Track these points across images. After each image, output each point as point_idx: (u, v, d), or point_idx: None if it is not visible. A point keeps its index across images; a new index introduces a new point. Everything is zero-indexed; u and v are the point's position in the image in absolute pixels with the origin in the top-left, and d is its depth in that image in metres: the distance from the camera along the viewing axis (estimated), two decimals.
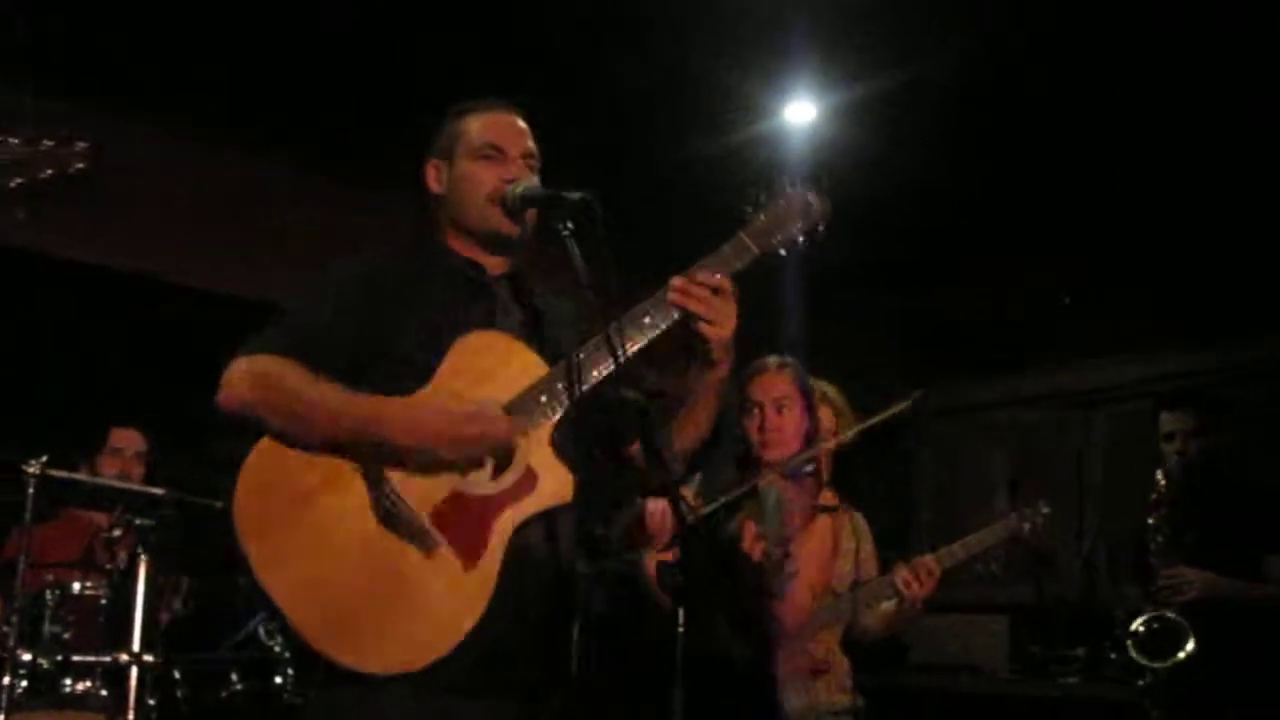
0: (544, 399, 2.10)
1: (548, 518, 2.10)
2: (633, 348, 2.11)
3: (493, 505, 2.05)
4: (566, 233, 2.08)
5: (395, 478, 2.00)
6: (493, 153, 2.25)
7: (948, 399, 8.26)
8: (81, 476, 3.91)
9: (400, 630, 1.96)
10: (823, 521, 3.11)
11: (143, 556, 3.52)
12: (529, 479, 2.07)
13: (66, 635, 3.67)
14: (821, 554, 3.09)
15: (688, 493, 3.15)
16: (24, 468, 3.52)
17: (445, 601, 1.98)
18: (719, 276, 2.13)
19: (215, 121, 5.49)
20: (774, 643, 3.10)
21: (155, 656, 3.51)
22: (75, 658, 3.56)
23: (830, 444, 3.53)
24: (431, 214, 2.34)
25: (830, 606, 3.49)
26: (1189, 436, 4.20)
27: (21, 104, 4.76)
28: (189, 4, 4.60)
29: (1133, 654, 3.97)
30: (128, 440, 4.58)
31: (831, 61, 4.89)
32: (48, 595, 3.68)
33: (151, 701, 3.62)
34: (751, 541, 2.81)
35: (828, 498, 3.13)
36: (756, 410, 3.12)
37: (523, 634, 2.05)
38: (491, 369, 2.11)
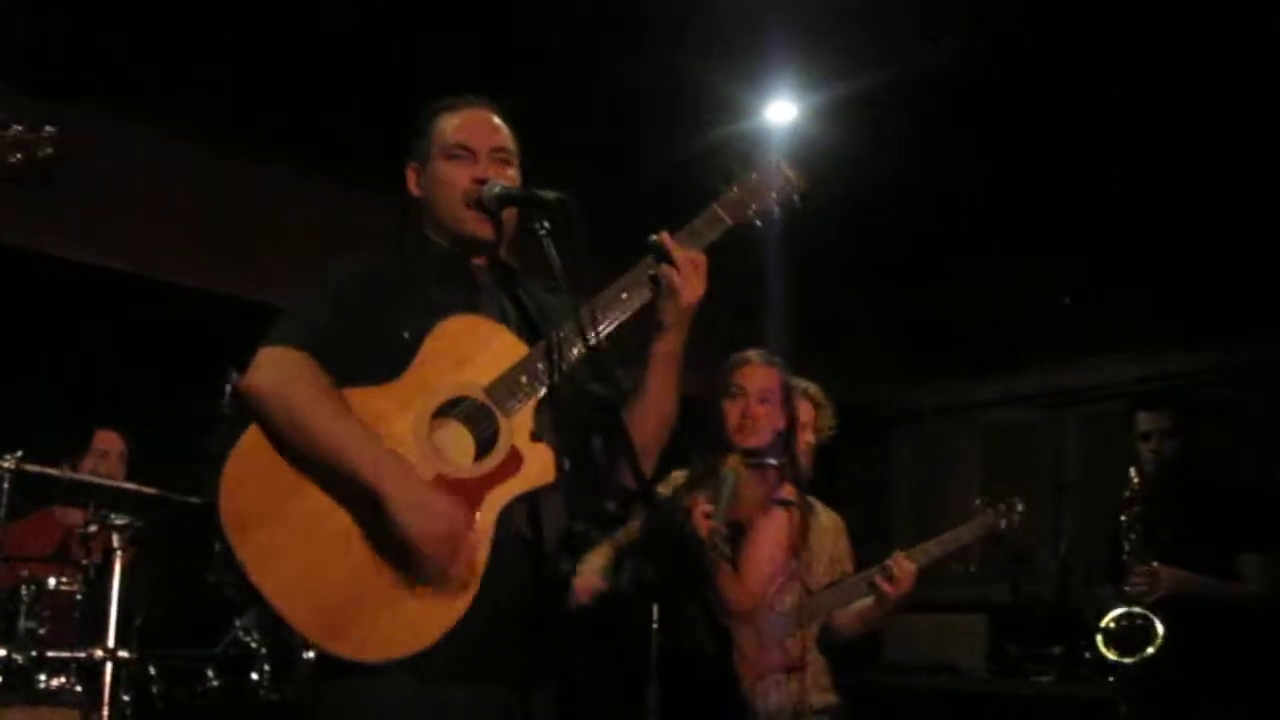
0: (524, 379, 2.10)
1: (532, 499, 2.10)
2: (610, 324, 2.14)
3: (478, 488, 2.05)
4: (543, 232, 2.09)
5: None
6: (462, 153, 2.24)
7: (926, 399, 8.30)
8: (56, 472, 3.89)
9: (392, 617, 1.95)
10: (779, 515, 3.13)
11: (118, 553, 3.50)
12: (513, 459, 2.07)
13: (41, 631, 3.65)
14: (776, 545, 3.10)
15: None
16: None
17: (436, 586, 1.98)
18: (695, 252, 2.16)
19: (214, 121, 5.48)
20: (727, 627, 3.11)
21: (130, 652, 3.51)
22: (50, 653, 3.55)
23: (808, 437, 3.56)
24: (414, 216, 2.35)
25: (806, 605, 3.50)
26: (1164, 436, 4.23)
27: (20, 104, 4.76)
28: (189, 4, 4.59)
29: (1102, 649, 4.00)
30: (111, 442, 4.59)
31: (812, 61, 4.90)
32: (23, 591, 3.67)
33: (126, 698, 3.62)
34: (700, 517, 2.83)
35: (788, 491, 3.15)
36: (742, 397, 3.16)
37: (513, 617, 2.05)
38: (471, 352, 2.12)
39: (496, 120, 2.31)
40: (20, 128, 1.91)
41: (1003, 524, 3.60)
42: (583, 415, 2.20)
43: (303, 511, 1.98)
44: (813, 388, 3.66)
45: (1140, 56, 4.73)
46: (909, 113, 5.22)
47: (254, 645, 4.01)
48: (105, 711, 3.41)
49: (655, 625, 2.81)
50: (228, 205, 5.73)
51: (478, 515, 2.03)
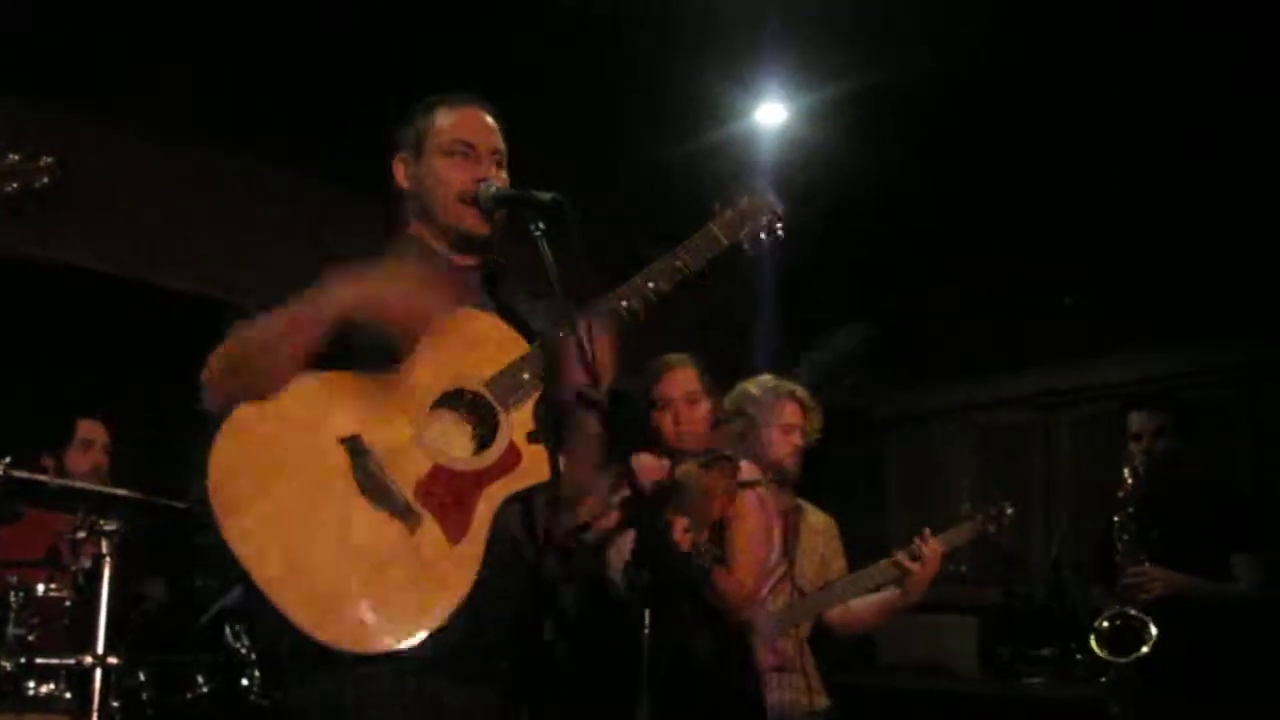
0: (527, 376, 2.11)
1: (525, 497, 2.09)
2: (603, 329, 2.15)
3: (476, 481, 2.04)
4: (538, 233, 2.09)
5: (378, 451, 1.98)
6: (465, 150, 2.25)
7: (917, 400, 8.31)
8: (45, 478, 3.87)
9: (385, 608, 1.92)
10: (747, 496, 3.13)
11: (107, 558, 3.48)
12: (512, 455, 2.07)
13: (30, 637, 3.62)
14: (755, 526, 3.11)
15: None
16: None
17: (431, 578, 1.96)
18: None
19: (212, 122, 5.46)
20: (738, 626, 3.14)
21: (120, 659, 3.48)
22: (39, 660, 3.52)
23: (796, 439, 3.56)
24: (398, 208, 2.33)
25: (798, 605, 3.51)
26: (1155, 437, 4.25)
27: (14, 105, 4.74)
28: (189, 5, 4.57)
29: (1096, 650, 4.01)
30: (95, 432, 4.56)
31: (803, 63, 4.90)
32: (11, 597, 3.64)
33: (116, 704, 3.59)
34: (681, 535, 2.84)
35: (748, 470, 3.16)
36: (670, 405, 3.16)
37: (503, 615, 2.04)
38: (474, 344, 2.12)
39: (491, 121, 2.31)
40: (17, 157, 1.89)
41: (992, 528, 3.61)
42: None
43: (297, 497, 1.95)
44: (800, 390, 3.66)
45: (1139, 56, 4.73)
46: (900, 114, 5.22)
47: (244, 651, 3.99)
48: (95, 718, 3.38)
49: (648, 629, 2.81)
50: (225, 208, 5.70)
51: (475, 509, 2.02)
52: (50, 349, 5.19)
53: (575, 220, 2.04)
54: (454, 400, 2.10)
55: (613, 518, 2.94)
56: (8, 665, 3.47)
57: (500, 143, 2.30)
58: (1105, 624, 4.01)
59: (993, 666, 6.32)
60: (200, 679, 4.00)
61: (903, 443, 8.44)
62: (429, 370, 2.07)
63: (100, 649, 3.39)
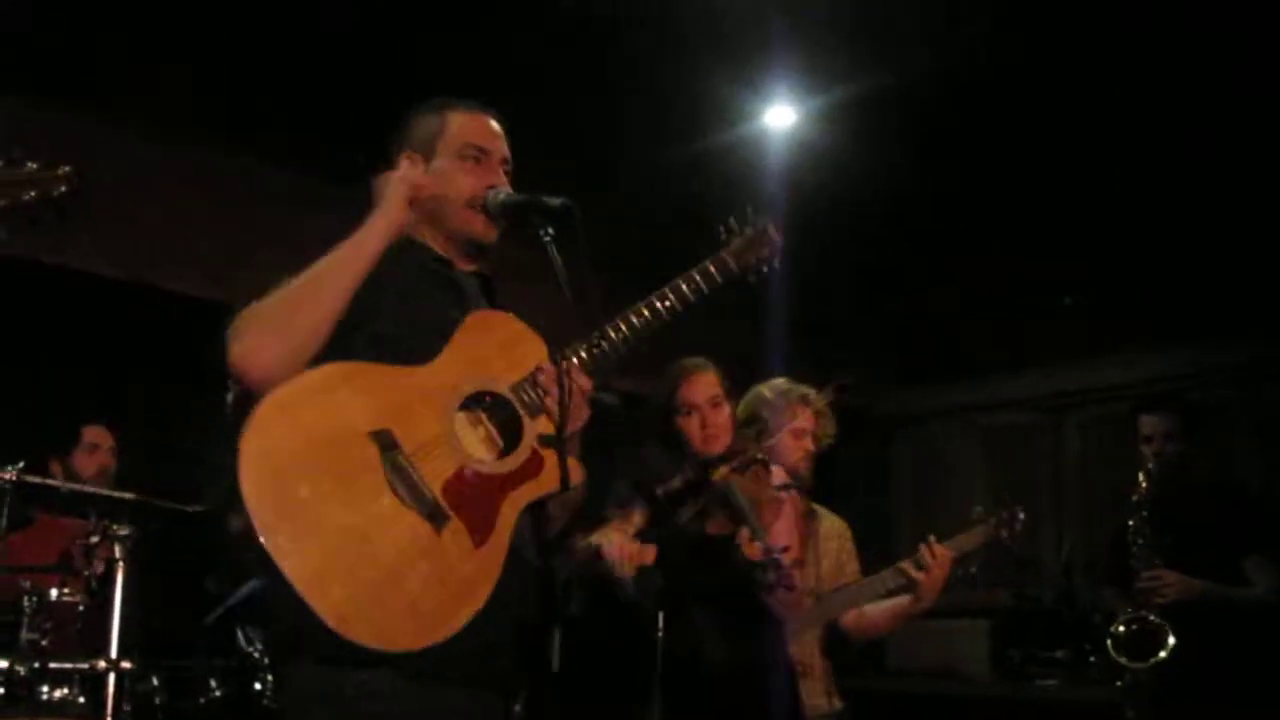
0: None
1: (539, 504, 2.09)
2: (630, 342, 2.18)
3: (501, 484, 2.04)
4: (548, 238, 2.09)
5: (407, 448, 1.96)
6: (477, 155, 2.24)
7: (926, 402, 8.30)
8: (57, 483, 3.88)
9: (413, 608, 1.91)
10: (785, 502, 3.13)
11: (120, 563, 3.49)
12: (535, 461, 2.07)
13: (44, 642, 3.64)
14: (796, 534, 3.12)
15: (627, 525, 3.20)
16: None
17: (456, 581, 1.95)
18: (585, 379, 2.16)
19: (213, 124, 5.47)
20: (784, 634, 3.14)
21: (133, 663, 3.49)
22: (52, 665, 3.52)
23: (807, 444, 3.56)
24: None
25: (813, 609, 3.50)
26: (1167, 439, 4.23)
27: (16, 107, 4.76)
28: (189, 6, 4.58)
29: (1113, 655, 3.99)
30: (100, 437, 4.58)
31: (812, 66, 4.90)
32: (25, 602, 3.65)
33: (129, 709, 3.60)
34: (748, 544, 2.83)
35: (779, 474, 3.15)
36: (695, 411, 3.16)
37: (506, 619, 2.03)
38: (500, 346, 2.12)
39: (499, 127, 2.31)
40: (35, 165, 1.88)
41: (1004, 533, 3.58)
42: (596, 426, 2.20)
43: (321, 491, 1.90)
44: (813, 394, 3.65)
45: (1139, 57, 4.73)
46: (908, 116, 5.22)
47: (257, 655, 4.01)
48: None
49: (660, 633, 2.81)
50: (227, 209, 5.71)
51: (499, 513, 2.01)
52: (54, 352, 5.20)
53: (584, 225, 2.05)
54: (481, 403, 2.09)
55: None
56: (21, 670, 3.48)
57: (507, 150, 2.30)
58: (1122, 628, 3.99)
59: (1004, 669, 6.31)
60: (213, 683, 4.02)
61: (910, 444, 8.44)
62: (457, 369, 2.05)
63: (114, 653, 3.40)
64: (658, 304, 2.23)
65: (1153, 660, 3.88)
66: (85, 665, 3.48)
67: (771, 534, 2.92)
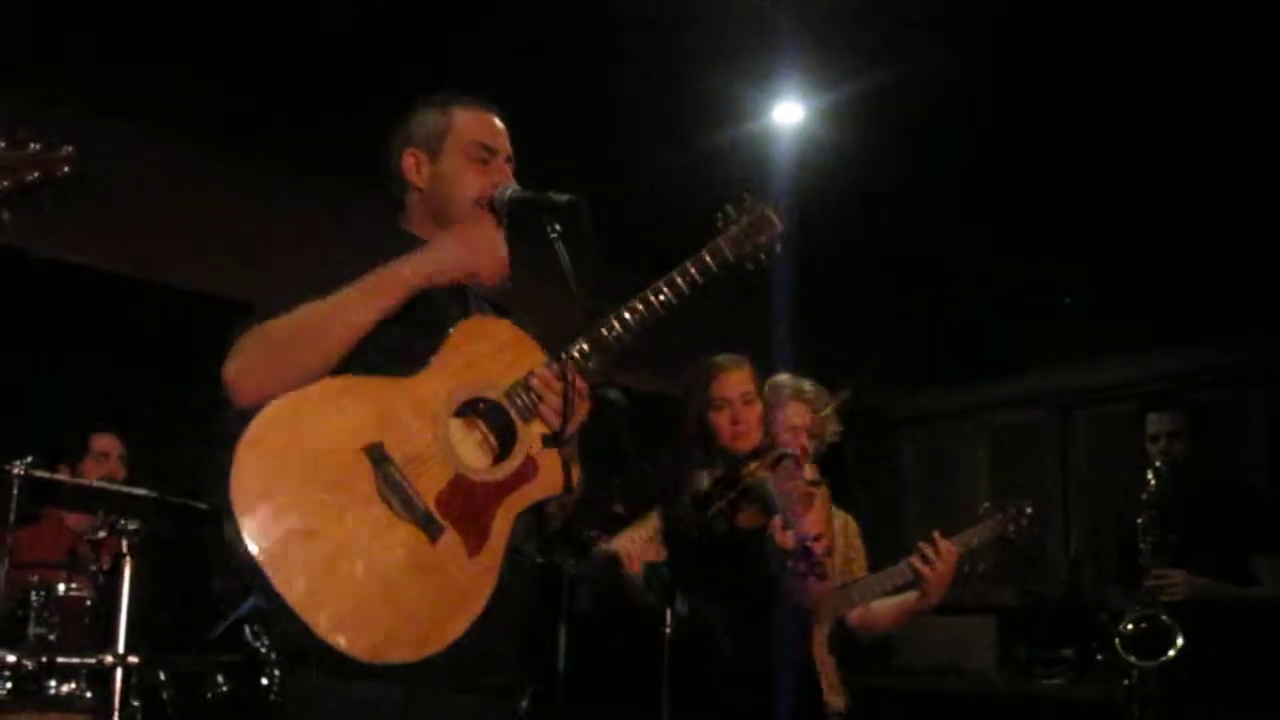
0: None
1: (536, 508, 2.09)
2: (625, 340, 2.14)
3: (496, 491, 2.03)
4: (554, 235, 2.08)
5: (399, 459, 1.96)
6: (485, 154, 2.23)
7: (933, 400, 8.29)
8: (65, 478, 3.89)
9: (409, 620, 1.91)
10: (817, 497, 3.12)
11: (127, 558, 3.50)
12: (529, 466, 2.06)
13: (51, 636, 3.65)
14: (828, 527, 3.11)
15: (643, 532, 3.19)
16: (8, 469, 3.50)
17: (451, 591, 1.95)
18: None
19: (214, 122, 5.48)
20: (810, 631, 3.15)
21: (140, 658, 3.50)
22: (60, 659, 3.54)
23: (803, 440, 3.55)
24: (399, 201, 2.30)
25: (821, 604, 3.49)
26: (1174, 438, 4.22)
27: (18, 107, 4.76)
28: (189, 5, 4.59)
29: (1121, 653, 3.99)
30: (109, 445, 4.58)
31: (820, 62, 4.89)
32: (32, 596, 3.67)
33: (136, 703, 3.61)
34: (780, 532, 2.82)
35: (811, 472, 3.15)
36: (727, 406, 3.16)
37: (505, 622, 2.03)
38: (494, 351, 2.11)
39: (502, 125, 2.30)
40: (38, 146, 1.87)
41: (1011, 528, 3.57)
42: (601, 422, 2.19)
43: (315, 505, 1.91)
44: (810, 391, 3.63)
45: (1145, 57, 4.72)
46: (915, 114, 5.21)
47: (264, 650, 4.01)
48: (115, 717, 3.39)
49: (668, 629, 2.81)
50: (228, 207, 5.72)
51: (495, 520, 2.01)
52: (59, 353, 5.21)
53: (591, 221, 2.04)
54: (475, 409, 2.08)
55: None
56: (29, 664, 3.49)
57: (509, 146, 2.29)
58: (1130, 627, 3.99)
59: (1010, 667, 6.31)
60: (220, 678, 4.02)
61: (917, 443, 8.43)
62: (449, 377, 2.05)
63: (121, 648, 3.41)
64: (652, 298, 2.19)
65: (1161, 659, 3.88)
66: (92, 660, 3.50)
67: (803, 525, 2.91)
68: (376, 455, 1.95)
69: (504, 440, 2.07)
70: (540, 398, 2.07)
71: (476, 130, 2.25)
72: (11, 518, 3.50)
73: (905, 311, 7.52)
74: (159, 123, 5.42)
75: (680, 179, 5.55)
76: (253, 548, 1.85)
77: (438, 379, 2.05)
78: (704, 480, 3.05)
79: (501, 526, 2.02)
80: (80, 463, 4.50)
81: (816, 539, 2.81)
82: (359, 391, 2.00)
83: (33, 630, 3.62)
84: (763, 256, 2.36)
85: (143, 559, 3.56)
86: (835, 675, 3.47)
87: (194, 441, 4.94)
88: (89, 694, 3.55)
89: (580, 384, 2.10)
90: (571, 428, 2.08)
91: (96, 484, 4.06)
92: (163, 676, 3.87)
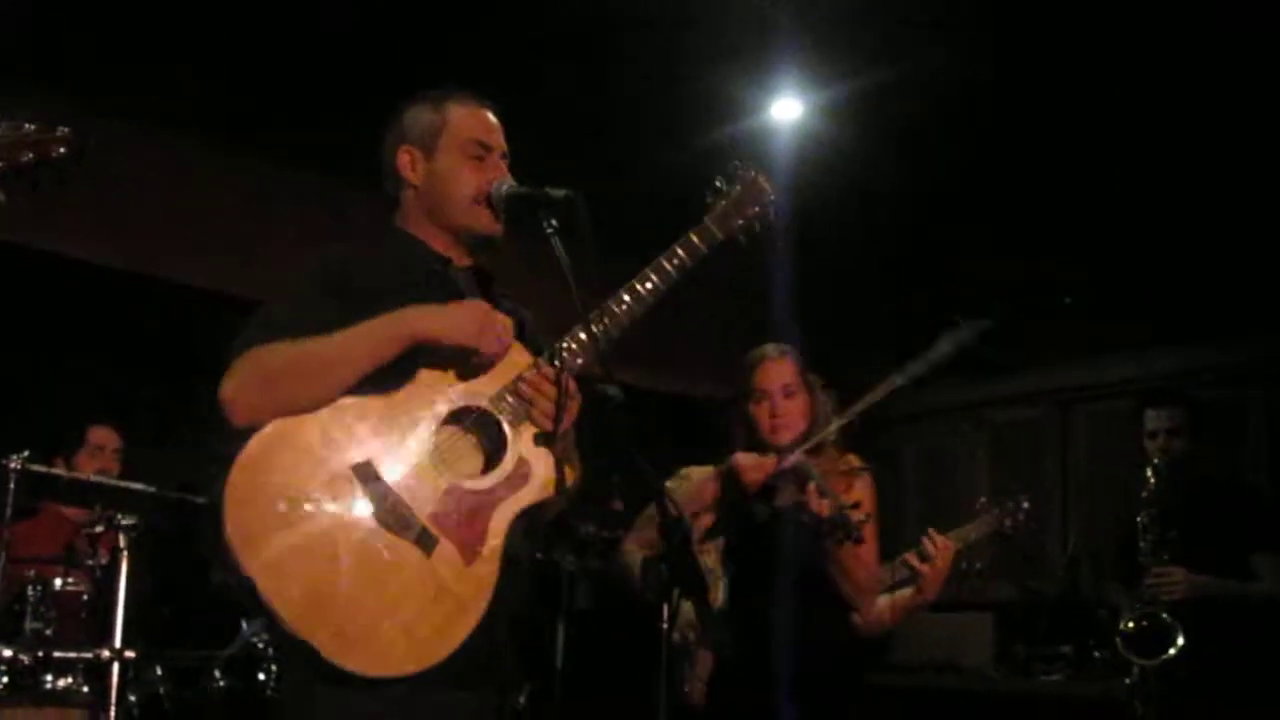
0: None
1: (531, 510, 2.09)
2: (614, 332, 2.15)
3: (490, 499, 2.04)
4: (551, 230, 2.08)
5: (391, 474, 1.98)
6: (480, 151, 2.23)
7: (931, 397, 8.28)
8: (62, 472, 3.89)
9: (409, 634, 1.93)
10: (861, 481, 3.11)
11: (124, 553, 3.50)
12: (522, 470, 2.07)
13: (48, 631, 3.65)
14: (873, 512, 3.09)
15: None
16: (4, 463, 3.50)
17: (449, 602, 1.96)
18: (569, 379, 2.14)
19: (214, 120, 5.47)
20: (853, 603, 3.14)
21: (137, 653, 3.50)
22: (56, 654, 3.54)
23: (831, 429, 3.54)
24: (395, 198, 2.30)
25: None
26: (1172, 434, 4.22)
27: (19, 103, 4.75)
28: (188, 4, 4.58)
29: (1122, 651, 3.98)
30: (105, 438, 4.57)
31: (818, 59, 4.89)
32: (29, 591, 3.67)
33: (133, 698, 3.61)
34: (817, 500, 2.81)
35: (853, 460, 3.14)
36: (766, 398, 3.14)
37: (510, 626, 2.05)
38: (480, 358, 2.10)
39: (496, 120, 2.30)
40: (33, 127, 1.87)
41: (1008, 523, 3.57)
42: (599, 419, 2.19)
43: (312, 527, 1.93)
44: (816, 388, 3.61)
45: (1145, 57, 4.72)
46: (915, 113, 5.21)
47: (261, 646, 4.01)
48: (112, 712, 3.39)
49: (665, 624, 2.81)
50: (227, 204, 5.72)
51: (489, 527, 2.02)
52: (59, 349, 5.21)
53: (588, 217, 2.04)
54: (463, 418, 2.08)
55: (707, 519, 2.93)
56: (26, 659, 3.49)
57: (504, 143, 2.29)
58: (1131, 624, 3.98)
59: (1008, 664, 6.30)
60: (217, 673, 4.02)
61: (916, 440, 8.41)
62: (437, 388, 2.06)
63: (118, 643, 3.41)
64: (639, 287, 2.20)
65: (1161, 657, 3.87)
66: (89, 654, 3.50)
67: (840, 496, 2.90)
68: (366, 474, 1.97)
69: (495, 446, 2.07)
70: (530, 401, 2.07)
71: (472, 127, 2.25)
72: (8, 512, 3.49)
73: (905, 311, 7.50)
74: (159, 122, 5.42)
75: (680, 178, 5.53)
76: (255, 578, 1.87)
77: (426, 389, 2.05)
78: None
79: (496, 533, 2.03)
80: (75, 455, 4.50)
81: (855, 506, 2.80)
82: (347, 411, 2.01)
83: (29, 625, 3.62)
84: (756, 227, 2.35)
85: (140, 554, 3.56)
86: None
87: (193, 439, 4.94)
88: (86, 689, 3.54)
89: (570, 382, 2.10)
90: (564, 426, 2.08)
91: (94, 478, 4.06)
92: (160, 671, 3.87)
